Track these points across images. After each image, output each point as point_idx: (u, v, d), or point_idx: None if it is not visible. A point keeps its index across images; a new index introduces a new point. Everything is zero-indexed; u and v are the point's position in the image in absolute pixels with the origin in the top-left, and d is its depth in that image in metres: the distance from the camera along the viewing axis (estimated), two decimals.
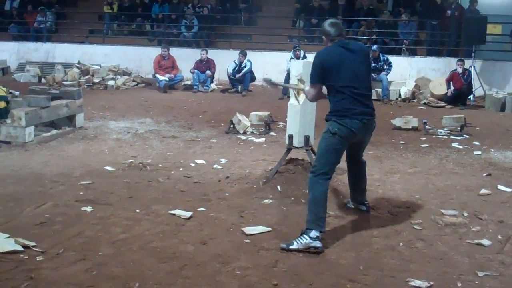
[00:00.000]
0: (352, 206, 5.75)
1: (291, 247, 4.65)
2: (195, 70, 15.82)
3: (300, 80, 6.19)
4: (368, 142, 5.42)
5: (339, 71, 4.87)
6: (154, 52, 16.92)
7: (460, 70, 14.10)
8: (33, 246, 4.51)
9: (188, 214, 5.43)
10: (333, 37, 5.02)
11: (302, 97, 6.19)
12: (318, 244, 4.63)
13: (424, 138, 9.89)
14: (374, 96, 14.61)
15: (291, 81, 6.43)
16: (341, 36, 5.05)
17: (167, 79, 15.71)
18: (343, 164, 7.66)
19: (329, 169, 4.90)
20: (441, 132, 10.35)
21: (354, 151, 5.34)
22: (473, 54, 15.33)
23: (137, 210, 5.54)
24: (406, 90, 15.10)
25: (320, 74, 4.93)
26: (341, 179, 6.53)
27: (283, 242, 4.74)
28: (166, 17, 19.86)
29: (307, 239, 4.63)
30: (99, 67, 16.96)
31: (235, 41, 18.37)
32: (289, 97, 6.61)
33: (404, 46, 17.17)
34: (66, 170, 7.00)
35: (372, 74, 14.84)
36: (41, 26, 20.53)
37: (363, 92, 4.94)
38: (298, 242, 4.65)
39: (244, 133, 9.79)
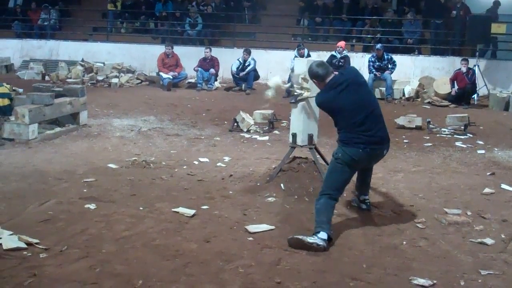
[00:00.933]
0: (355, 205, 5.75)
1: (302, 237, 4.69)
2: (199, 68, 15.81)
3: (304, 79, 6.18)
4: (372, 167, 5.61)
5: (337, 114, 5.10)
6: (158, 50, 16.92)
7: (464, 69, 14.07)
8: (36, 243, 4.52)
9: (191, 212, 5.43)
10: (323, 78, 5.13)
11: (306, 94, 6.19)
12: (325, 245, 4.66)
13: (427, 137, 9.88)
14: (378, 95, 14.71)
15: (293, 80, 6.43)
16: (329, 73, 5.12)
17: (171, 77, 15.70)
18: None
19: (334, 190, 4.98)
20: (445, 131, 10.34)
21: (364, 166, 5.39)
22: (477, 53, 15.31)
23: (141, 208, 5.55)
24: (410, 89, 15.06)
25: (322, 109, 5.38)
26: None
27: (294, 234, 4.81)
28: (170, 15, 19.85)
29: (315, 239, 4.67)
30: (102, 64, 16.96)
31: (239, 39, 18.34)
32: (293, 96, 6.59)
33: (415, 47, 17.16)
34: (69, 167, 7.01)
35: (376, 73, 14.86)
36: (45, 23, 20.54)
37: (365, 121, 4.99)
38: (308, 238, 4.69)
39: (248, 131, 9.79)
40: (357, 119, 4.97)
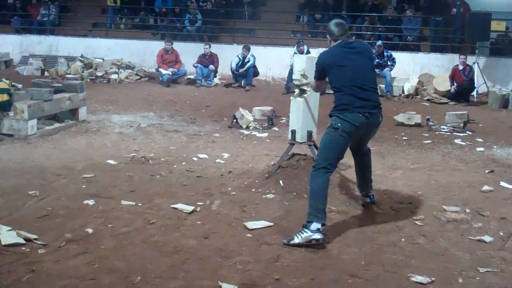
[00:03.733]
0: (361, 202, 5.74)
1: (292, 242, 4.65)
2: (198, 65, 15.80)
3: (303, 75, 6.19)
4: (373, 135, 5.45)
5: (338, 72, 5.03)
6: (157, 46, 16.89)
7: (461, 67, 14.07)
8: (35, 239, 4.52)
9: (190, 208, 5.43)
10: (336, 37, 5.16)
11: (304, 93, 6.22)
12: (318, 236, 4.62)
13: (427, 134, 9.88)
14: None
15: (294, 76, 6.44)
16: (345, 35, 5.16)
17: (170, 73, 15.69)
18: (346, 159, 7.65)
19: (330, 164, 4.90)
20: (444, 129, 10.34)
21: (357, 144, 5.35)
22: (476, 50, 15.31)
23: (139, 204, 5.55)
24: (410, 86, 15.06)
25: (320, 72, 5.20)
26: (343, 174, 6.53)
27: (285, 237, 4.74)
28: (169, 11, 19.83)
29: (307, 232, 4.63)
30: (102, 60, 16.94)
31: (239, 35, 18.31)
32: (292, 92, 6.60)
33: (414, 44, 17.15)
34: (68, 163, 7.01)
35: (375, 70, 14.84)
36: (44, 19, 20.49)
37: (365, 88, 4.99)
38: (299, 236, 4.65)
39: (247, 128, 9.79)
40: (360, 83, 4.96)
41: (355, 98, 4.92)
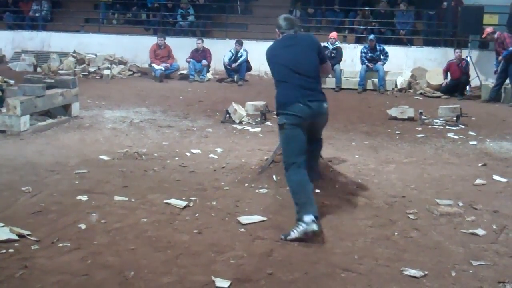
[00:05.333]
0: None
1: (289, 237, 4.64)
2: (191, 60, 15.79)
3: None
4: (324, 125, 5.44)
5: (278, 65, 5.22)
6: (150, 41, 16.85)
7: (457, 60, 14.11)
8: (28, 235, 4.51)
9: (183, 203, 5.43)
10: (283, 30, 5.37)
11: None
12: (315, 226, 4.61)
13: (420, 128, 9.90)
14: (370, 86, 14.76)
15: None
16: (292, 30, 5.35)
17: (163, 69, 15.68)
18: (339, 154, 7.67)
19: (295, 157, 4.94)
20: (437, 122, 10.36)
21: (309, 134, 5.22)
22: (469, 44, 15.34)
23: (133, 200, 5.54)
24: (403, 80, 15.09)
25: (270, 67, 5.35)
26: (337, 168, 6.54)
27: (282, 233, 4.74)
28: (162, 6, 19.78)
29: (303, 226, 4.63)
30: (94, 56, 16.91)
31: (231, 30, 18.30)
32: None
33: (407, 38, 17.16)
34: (61, 159, 6.99)
35: (368, 64, 14.87)
36: (37, 15, 20.42)
37: (304, 78, 5.09)
38: (295, 230, 4.65)
39: (240, 122, 9.78)
40: (299, 74, 5.07)
41: (294, 89, 5.03)
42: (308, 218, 4.63)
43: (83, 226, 4.80)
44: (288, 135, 5.00)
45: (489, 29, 13.84)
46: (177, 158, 7.26)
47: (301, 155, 4.99)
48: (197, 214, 5.21)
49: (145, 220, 5.01)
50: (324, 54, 5.59)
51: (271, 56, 5.31)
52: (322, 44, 15.23)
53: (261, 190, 5.92)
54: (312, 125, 5.16)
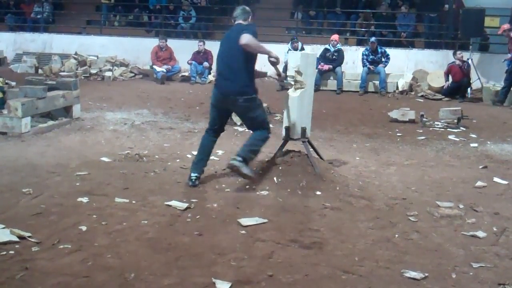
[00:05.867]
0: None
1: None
2: (193, 62, 15.80)
3: (298, 72, 6.21)
4: (243, 116, 6.25)
5: (218, 54, 6.06)
6: (151, 43, 16.87)
7: (459, 62, 14.11)
8: (28, 237, 4.51)
9: (184, 205, 5.43)
10: (234, 19, 6.05)
11: (298, 90, 6.25)
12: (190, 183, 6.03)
13: (421, 131, 9.90)
14: (371, 88, 14.77)
15: (288, 73, 6.45)
16: (241, 18, 5.93)
17: (165, 71, 15.69)
18: (340, 156, 7.67)
19: (209, 126, 6.23)
20: (438, 125, 10.36)
21: (220, 120, 6.22)
22: (470, 46, 15.34)
23: (133, 201, 5.54)
24: (404, 83, 15.10)
25: None
26: (338, 171, 6.54)
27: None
28: (163, 8, 19.80)
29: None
30: (96, 58, 16.92)
31: None
32: (286, 89, 6.60)
33: (408, 40, 17.16)
34: (62, 161, 6.99)
35: (370, 66, 14.88)
36: (38, 16, 20.46)
37: (227, 68, 5.84)
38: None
39: (241, 124, 9.76)
40: (221, 64, 5.95)
41: (218, 76, 5.97)
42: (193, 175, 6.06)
43: (84, 228, 4.80)
44: (210, 108, 6.13)
45: (506, 26, 13.80)
46: (178, 160, 7.26)
47: (212, 123, 6.18)
48: (198, 216, 5.21)
49: (146, 222, 5.02)
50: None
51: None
52: (324, 46, 15.41)
53: (262, 192, 5.92)
54: (222, 105, 6.03)
